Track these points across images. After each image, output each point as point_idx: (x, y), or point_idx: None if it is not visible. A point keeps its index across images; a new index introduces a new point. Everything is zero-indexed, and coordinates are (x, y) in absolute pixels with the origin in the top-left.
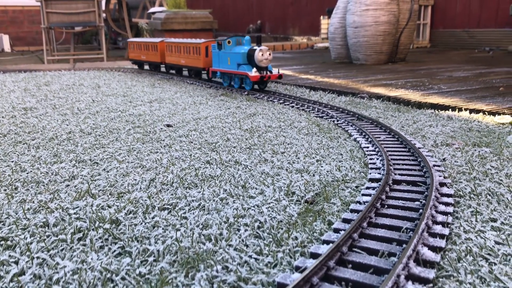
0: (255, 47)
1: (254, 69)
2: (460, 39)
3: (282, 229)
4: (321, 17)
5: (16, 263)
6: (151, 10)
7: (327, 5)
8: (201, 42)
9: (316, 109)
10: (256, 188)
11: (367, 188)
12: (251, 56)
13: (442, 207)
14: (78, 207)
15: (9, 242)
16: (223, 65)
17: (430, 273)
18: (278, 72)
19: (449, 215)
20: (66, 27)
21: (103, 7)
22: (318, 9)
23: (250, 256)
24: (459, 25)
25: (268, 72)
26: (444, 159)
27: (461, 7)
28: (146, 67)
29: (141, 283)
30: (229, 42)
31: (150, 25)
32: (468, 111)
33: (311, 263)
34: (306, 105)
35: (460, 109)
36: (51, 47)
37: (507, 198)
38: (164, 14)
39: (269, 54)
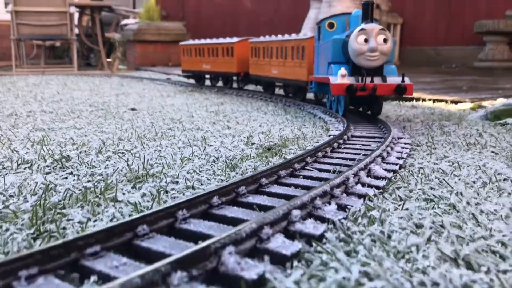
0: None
1: (343, 71)
2: (428, 57)
3: (237, 159)
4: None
5: None
6: (124, 22)
7: (300, 23)
8: (307, 38)
9: (284, 100)
10: (215, 141)
11: (327, 139)
12: (345, 46)
13: (398, 148)
14: (28, 151)
15: None
16: (317, 68)
17: (381, 183)
18: (403, 81)
19: (403, 152)
20: (37, 41)
21: (76, 22)
22: (289, 28)
23: (202, 176)
24: (427, 43)
25: (379, 79)
26: (404, 127)
27: (429, 25)
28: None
29: (86, 190)
30: (330, 25)
31: (122, 37)
32: (431, 101)
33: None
34: (273, 98)
35: (424, 100)
36: (21, 62)
37: (461, 143)
38: (137, 25)
39: (385, 40)
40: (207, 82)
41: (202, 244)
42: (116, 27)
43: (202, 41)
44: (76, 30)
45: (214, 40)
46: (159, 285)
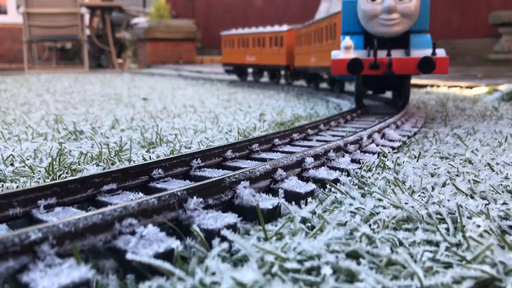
0: None
1: (347, 42)
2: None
3: (250, 129)
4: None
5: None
6: (135, 20)
7: (311, 18)
8: None
9: (296, 89)
10: (227, 118)
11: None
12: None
13: (412, 120)
14: (42, 127)
15: None
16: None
17: (395, 144)
18: (434, 54)
19: (418, 122)
20: (48, 43)
21: (87, 23)
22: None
23: (215, 144)
24: (440, 37)
25: (402, 52)
26: (418, 107)
27: (441, 19)
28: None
29: (100, 152)
30: None
31: (133, 35)
32: (446, 87)
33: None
34: (285, 87)
35: (438, 86)
36: (32, 63)
37: (476, 115)
38: (147, 23)
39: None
40: (250, 78)
41: (217, 177)
42: (126, 27)
43: (247, 30)
44: (87, 31)
45: (260, 29)
46: (175, 209)
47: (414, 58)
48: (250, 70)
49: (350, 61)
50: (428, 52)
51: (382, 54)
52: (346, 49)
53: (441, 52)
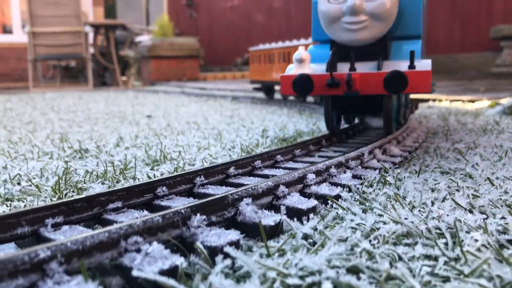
0: None
1: (301, 54)
2: (444, 64)
3: (252, 146)
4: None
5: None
6: (138, 38)
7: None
8: None
9: (299, 105)
10: (230, 134)
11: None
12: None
13: (413, 135)
14: (48, 146)
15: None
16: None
17: (396, 159)
18: (412, 67)
19: (419, 137)
20: (53, 61)
21: (91, 41)
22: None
23: (218, 160)
24: (443, 51)
25: (373, 65)
26: (420, 122)
27: (444, 33)
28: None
29: (106, 170)
30: None
31: (136, 53)
32: (448, 101)
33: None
34: (288, 103)
35: (440, 100)
36: (37, 82)
37: (477, 129)
38: (151, 41)
39: None
40: (277, 96)
41: (220, 195)
42: (130, 45)
43: (273, 44)
44: (91, 49)
45: (287, 43)
46: (179, 226)
47: (381, 74)
48: (277, 87)
49: (296, 78)
50: (406, 64)
51: (341, 67)
52: (299, 63)
53: (423, 65)
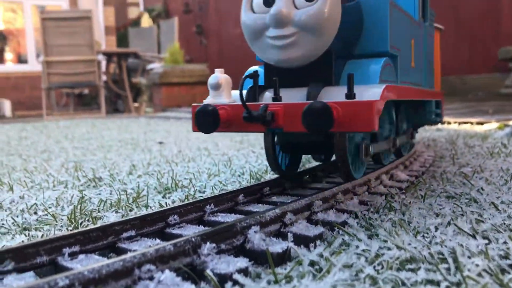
0: None
1: (218, 77)
2: (453, 85)
3: (261, 172)
4: None
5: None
6: (150, 66)
7: None
8: None
9: None
10: (240, 160)
11: None
12: None
13: (421, 159)
14: (62, 175)
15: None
16: None
17: (403, 185)
18: (350, 94)
19: (426, 161)
20: (66, 89)
21: (104, 69)
22: None
23: (228, 187)
24: (451, 72)
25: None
26: (428, 145)
27: (452, 54)
28: None
29: (119, 199)
30: None
31: (148, 80)
32: (456, 124)
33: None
34: None
35: (449, 123)
36: (51, 110)
37: (484, 153)
38: (162, 68)
39: None
40: None
41: (229, 223)
42: (142, 72)
43: None
44: (104, 77)
45: None
46: (190, 254)
47: (303, 105)
48: None
49: (197, 110)
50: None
51: (265, 96)
52: (215, 90)
53: (370, 94)
